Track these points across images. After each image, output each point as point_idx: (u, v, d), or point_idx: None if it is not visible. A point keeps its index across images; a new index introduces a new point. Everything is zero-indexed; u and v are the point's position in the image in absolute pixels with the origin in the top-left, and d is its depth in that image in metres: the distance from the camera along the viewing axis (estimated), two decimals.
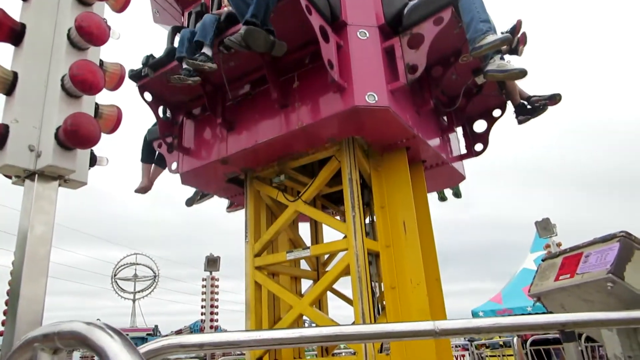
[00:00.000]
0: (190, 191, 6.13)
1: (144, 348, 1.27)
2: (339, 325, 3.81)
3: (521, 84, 4.88)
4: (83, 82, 1.95)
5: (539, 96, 4.73)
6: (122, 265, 37.84)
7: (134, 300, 36.85)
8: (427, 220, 4.63)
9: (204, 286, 15.06)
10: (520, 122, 4.74)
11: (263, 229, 4.50)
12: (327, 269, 5.12)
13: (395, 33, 3.99)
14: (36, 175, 1.81)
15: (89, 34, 2.08)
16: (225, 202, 6.36)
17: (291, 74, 4.09)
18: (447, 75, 4.33)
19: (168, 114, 4.75)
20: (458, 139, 5.34)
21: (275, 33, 3.47)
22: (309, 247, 4.29)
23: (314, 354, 8.27)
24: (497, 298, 16.34)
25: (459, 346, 14.97)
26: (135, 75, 4.30)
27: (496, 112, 5.14)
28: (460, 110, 4.91)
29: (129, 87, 4.18)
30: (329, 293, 4.83)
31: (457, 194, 6.33)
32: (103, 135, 2.04)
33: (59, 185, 1.89)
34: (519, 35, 4.26)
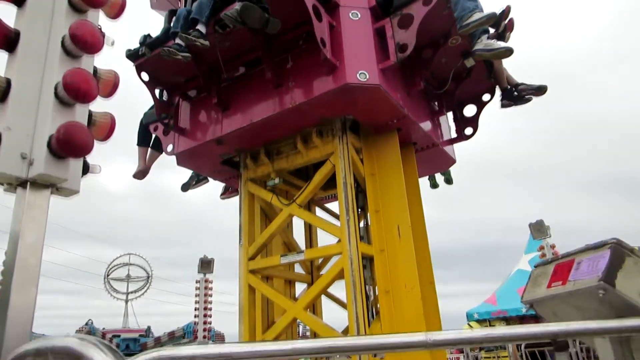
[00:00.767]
0: (187, 175, 6.11)
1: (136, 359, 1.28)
2: (332, 329, 3.93)
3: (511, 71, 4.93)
4: (76, 91, 1.93)
5: (526, 85, 4.84)
6: (115, 266, 37.18)
7: (126, 301, 36.34)
8: (420, 215, 4.70)
9: (197, 288, 15.10)
10: (503, 106, 4.91)
11: (257, 233, 4.49)
12: (321, 273, 5.13)
13: (386, 14, 4.05)
14: (28, 184, 1.80)
15: (83, 42, 2.06)
16: (219, 190, 6.38)
17: (285, 54, 4.15)
18: (437, 57, 4.40)
19: (165, 96, 4.73)
20: (449, 124, 5.42)
21: (270, 12, 3.52)
22: (303, 251, 4.28)
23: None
24: (492, 299, 16.36)
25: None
26: (133, 55, 4.34)
27: (485, 97, 5.22)
28: (450, 94, 4.97)
29: (126, 69, 4.13)
30: (323, 296, 4.80)
31: (448, 180, 6.36)
32: (96, 143, 2.01)
33: (51, 193, 1.87)
34: (506, 21, 4.27)
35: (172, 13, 4.64)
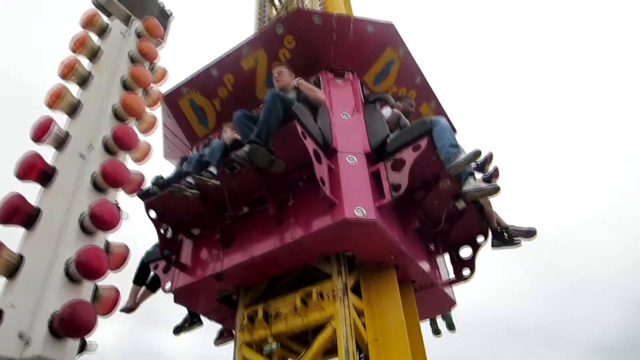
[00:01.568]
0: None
1: None
2: None
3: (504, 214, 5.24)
4: (88, 269, 1.97)
5: (516, 228, 5.11)
6: None
7: None
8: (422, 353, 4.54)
9: None
10: (493, 246, 5.15)
11: None
12: None
13: (380, 159, 4.46)
14: None
15: (102, 221, 2.21)
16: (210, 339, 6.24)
17: (287, 194, 4.45)
18: (429, 199, 4.68)
19: (169, 233, 4.92)
20: (446, 266, 5.51)
21: (275, 154, 3.89)
22: None
23: None
24: None
25: None
26: (144, 194, 4.60)
27: (479, 239, 5.38)
28: (445, 235, 5.16)
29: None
30: None
31: (450, 326, 6.26)
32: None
33: None
34: (491, 166, 4.72)
35: (183, 159, 5.12)
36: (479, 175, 4.59)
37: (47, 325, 1.77)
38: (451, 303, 5.35)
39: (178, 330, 5.99)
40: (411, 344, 4.09)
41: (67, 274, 1.97)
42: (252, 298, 4.56)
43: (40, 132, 2.51)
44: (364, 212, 3.93)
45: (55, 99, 2.75)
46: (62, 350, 1.79)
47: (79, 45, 3.15)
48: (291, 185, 4.41)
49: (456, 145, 4.03)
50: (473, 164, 4.56)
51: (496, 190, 3.99)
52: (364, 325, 4.10)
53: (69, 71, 2.94)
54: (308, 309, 4.05)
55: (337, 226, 3.91)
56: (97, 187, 2.44)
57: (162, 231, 4.81)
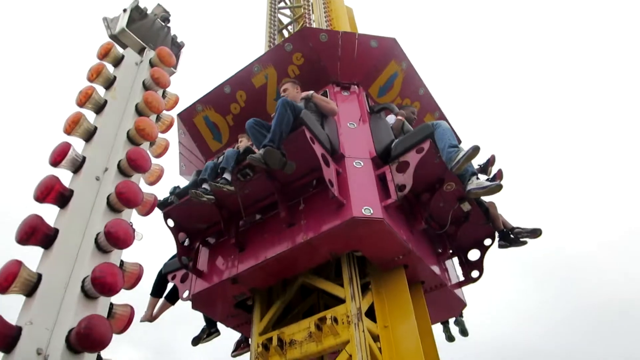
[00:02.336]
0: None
1: None
2: None
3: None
4: (103, 284, 2.01)
5: (522, 228, 5.25)
6: None
7: None
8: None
9: None
10: (500, 247, 5.31)
11: None
12: None
13: (385, 163, 4.68)
14: None
15: (116, 239, 2.24)
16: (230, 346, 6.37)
17: (297, 198, 4.65)
18: (435, 201, 4.85)
19: (187, 242, 5.15)
20: (455, 269, 5.63)
21: (287, 157, 4.12)
22: None
23: None
24: None
25: None
26: (162, 203, 4.88)
27: (487, 242, 5.52)
28: (452, 238, 5.31)
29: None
30: None
31: (463, 332, 6.30)
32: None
33: None
34: (493, 167, 4.89)
35: (198, 173, 5.38)
36: (483, 177, 4.76)
37: (64, 340, 1.81)
38: (462, 305, 5.45)
39: (196, 341, 6.14)
40: (423, 344, 4.15)
41: (83, 290, 2.03)
42: (266, 325, 4.61)
43: (59, 157, 2.61)
44: (372, 211, 4.11)
45: (73, 126, 2.88)
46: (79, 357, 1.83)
47: (96, 74, 3.31)
48: (301, 190, 4.63)
49: (456, 146, 4.23)
50: (476, 166, 4.76)
51: (498, 187, 4.17)
52: (379, 350, 4.09)
53: (86, 99, 3.10)
54: (322, 335, 4.04)
55: (346, 225, 4.10)
56: (111, 207, 2.48)
57: (179, 240, 5.05)
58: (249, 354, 4.65)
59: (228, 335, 6.29)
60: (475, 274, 5.44)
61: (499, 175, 5.10)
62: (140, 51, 3.84)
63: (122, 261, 2.34)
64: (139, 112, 3.24)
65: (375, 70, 5.74)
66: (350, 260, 4.46)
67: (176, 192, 4.84)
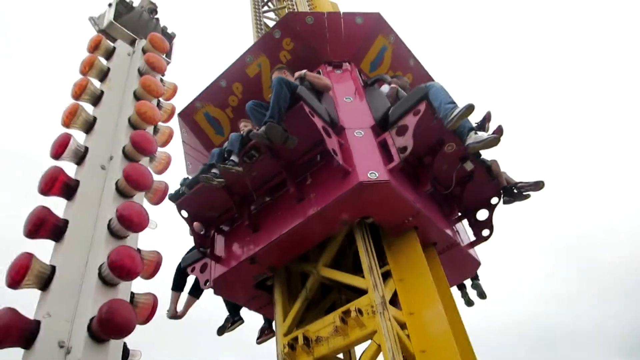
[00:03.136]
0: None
1: None
2: None
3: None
4: (121, 267, 1.92)
5: (524, 182, 5.34)
6: None
7: None
8: (459, 321, 4.62)
9: None
10: (505, 203, 5.41)
11: None
12: None
13: (385, 130, 4.80)
14: None
15: (130, 221, 2.16)
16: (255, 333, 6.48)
17: (304, 174, 4.80)
18: (437, 162, 4.96)
19: (202, 232, 5.30)
20: (465, 230, 5.73)
21: (289, 133, 4.24)
22: None
23: None
24: None
25: None
26: (174, 196, 5.04)
27: (494, 200, 5.61)
28: (459, 199, 5.41)
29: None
30: None
31: (481, 295, 6.38)
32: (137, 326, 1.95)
33: None
34: (490, 123, 4.99)
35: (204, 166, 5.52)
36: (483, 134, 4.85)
37: (86, 330, 1.72)
38: (476, 264, 5.56)
39: (221, 330, 6.26)
40: (438, 288, 4.32)
41: (101, 277, 1.94)
42: (290, 325, 4.61)
43: (60, 148, 2.49)
44: (377, 174, 4.23)
45: (71, 117, 2.79)
46: (103, 355, 1.74)
47: (88, 67, 3.22)
48: (307, 166, 4.77)
49: (452, 102, 4.35)
50: (474, 124, 4.86)
51: (496, 140, 4.28)
52: (408, 336, 4.07)
53: (81, 91, 3.01)
54: (348, 328, 4.01)
55: (354, 191, 4.22)
56: (121, 192, 2.40)
57: (195, 230, 5.18)
58: (274, 345, 4.70)
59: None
60: (485, 232, 5.53)
61: (498, 130, 5.20)
62: (131, 43, 3.83)
63: (139, 249, 2.25)
64: (137, 98, 3.19)
65: (364, 46, 5.87)
66: (363, 231, 4.54)
67: (186, 182, 4.97)
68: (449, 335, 3.93)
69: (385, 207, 4.45)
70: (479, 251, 5.81)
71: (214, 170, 4.51)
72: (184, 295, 6.20)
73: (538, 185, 5.27)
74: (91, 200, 2.32)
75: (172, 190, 5.12)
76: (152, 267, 2.31)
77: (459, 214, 5.63)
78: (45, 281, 1.91)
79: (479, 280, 6.31)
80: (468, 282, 6.31)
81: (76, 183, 2.40)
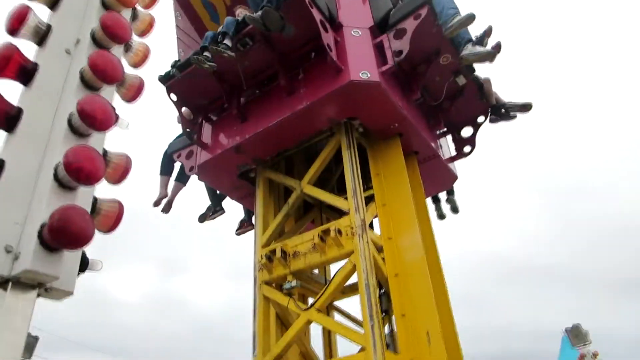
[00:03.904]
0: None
1: None
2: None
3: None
4: (78, 170, 1.69)
5: (513, 103, 5.40)
6: None
7: None
8: (430, 237, 4.78)
9: None
10: (491, 122, 5.54)
11: (272, 342, 4.28)
12: None
13: (383, 32, 4.71)
14: (10, 283, 1.50)
15: (92, 117, 1.89)
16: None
17: (297, 69, 4.76)
18: (431, 72, 4.94)
19: (191, 118, 5.35)
20: (448, 145, 5.87)
21: (283, 32, 4.20)
22: None
23: None
24: None
25: None
26: (164, 78, 4.99)
27: (480, 119, 5.71)
28: (446, 113, 5.49)
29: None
30: None
31: (454, 209, 6.65)
32: (99, 234, 1.78)
33: (38, 295, 1.58)
34: (489, 38, 4.91)
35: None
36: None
37: (37, 236, 1.55)
38: (453, 177, 5.75)
39: (202, 218, 6.52)
40: (418, 214, 4.48)
41: (57, 179, 1.71)
42: (269, 238, 4.70)
43: (17, 23, 2.11)
44: (369, 74, 4.25)
45: None
46: (56, 264, 1.57)
47: None
48: (300, 60, 4.73)
49: (455, 7, 4.26)
50: (474, 37, 4.80)
51: (490, 55, 4.27)
52: (383, 260, 4.19)
53: None
54: (326, 246, 4.12)
55: (344, 89, 4.25)
56: (87, 84, 2.07)
57: (183, 116, 5.21)
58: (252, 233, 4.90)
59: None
60: (467, 149, 5.68)
61: (497, 46, 5.14)
62: None
63: (105, 150, 2.02)
64: None
65: None
66: (350, 145, 4.55)
67: (177, 64, 4.92)
68: (423, 262, 4.10)
69: (373, 109, 4.51)
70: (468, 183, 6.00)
71: (206, 53, 4.45)
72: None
73: (525, 107, 5.35)
74: (51, 89, 2.01)
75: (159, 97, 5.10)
76: (119, 171, 2.05)
77: (445, 129, 5.74)
78: None
79: (454, 195, 6.55)
80: (443, 197, 6.57)
81: (34, 66, 2.06)
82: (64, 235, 1.56)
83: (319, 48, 4.48)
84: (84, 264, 1.84)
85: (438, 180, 5.76)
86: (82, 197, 1.78)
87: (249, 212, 6.35)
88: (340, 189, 5.06)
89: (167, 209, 6.21)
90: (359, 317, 4.32)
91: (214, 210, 6.45)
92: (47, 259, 1.54)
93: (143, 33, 2.94)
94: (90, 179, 1.74)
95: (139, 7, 2.84)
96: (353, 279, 4.37)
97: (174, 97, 5.04)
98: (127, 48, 2.65)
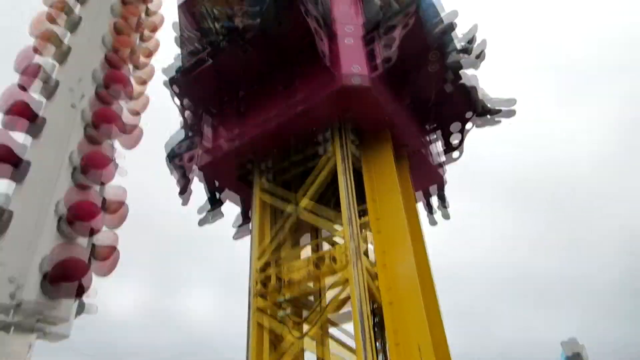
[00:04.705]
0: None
1: None
2: None
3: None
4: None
5: (497, 109, 5.81)
6: None
7: None
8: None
9: None
10: (477, 127, 5.98)
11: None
12: None
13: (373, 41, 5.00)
14: (12, 327, 1.65)
15: (95, 171, 2.12)
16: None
17: (293, 66, 5.12)
18: (420, 79, 5.30)
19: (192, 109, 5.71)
20: (437, 145, 6.31)
21: (280, 30, 4.64)
22: None
23: None
24: None
25: None
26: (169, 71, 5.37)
27: (468, 114, 6.02)
28: (436, 115, 5.90)
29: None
30: None
31: (446, 215, 6.99)
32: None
33: (37, 338, 1.75)
34: (475, 44, 5.22)
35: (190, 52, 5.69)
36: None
37: (39, 284, 1.73)
38: (440, 177, 6.22)
39: (202, 222, 6.90)
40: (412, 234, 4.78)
41: (59, 229, 1.93)
42: (264, 262, 4.84)
43: (28, 80, 2.46)
44: (360, 80, 4.66)
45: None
46: (55, 310, 1.76)
47: None
48: (296, 58, 5.05)
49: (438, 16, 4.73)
50: (459, 46, 5.10)
51: (476, 64, 4.59)
52: (377, 288, 4.33)
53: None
54: (321, 273, 4.26)
55: (338, 91, 4.67)
56: (89, 138, 2.29)
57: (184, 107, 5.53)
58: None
59: None
60: (456, 154, 6.19)
61: (481, 55, 5.41)
62: None
63: (104, 199, 2.19)
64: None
65: None
66: (341, 131, 4.92)
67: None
68: (417, 290, 4.26)
69: (364, 109, 4.87)
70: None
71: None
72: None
73: (510, 113, 5.68)
74: (57, 141, 2.20)
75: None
76: (119, 218, 2.27)
77: (434, 135, 6.12)
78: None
79: (447, 208, 6.85)
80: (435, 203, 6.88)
81: (43, 121, 2.27)
82: (64, 282, 1.72)
83: (314, 46, 4.69)
84: (81, 307, 1.98)
85: (425, 176, 6.13)
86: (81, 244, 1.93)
87: (245, 212, 6.66)
88: (337, 204, 5.08)
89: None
90: (353, 344, 4.41)
91: (214, 213, 6.75)
92: (48, 306, 1.71)
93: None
94: (76, 278, 1.84)
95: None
96: (348, 306, 4.54)
97: (176, 89, 5.37)
98: (129, 96, 2.89)
